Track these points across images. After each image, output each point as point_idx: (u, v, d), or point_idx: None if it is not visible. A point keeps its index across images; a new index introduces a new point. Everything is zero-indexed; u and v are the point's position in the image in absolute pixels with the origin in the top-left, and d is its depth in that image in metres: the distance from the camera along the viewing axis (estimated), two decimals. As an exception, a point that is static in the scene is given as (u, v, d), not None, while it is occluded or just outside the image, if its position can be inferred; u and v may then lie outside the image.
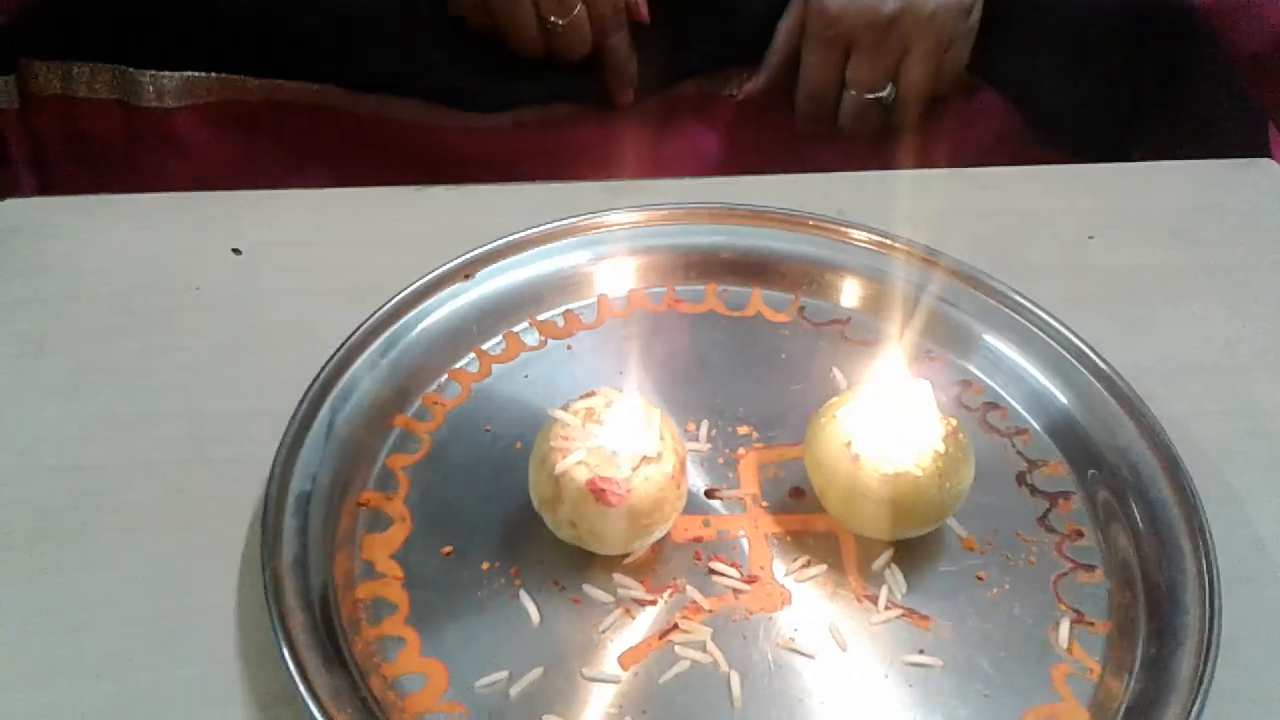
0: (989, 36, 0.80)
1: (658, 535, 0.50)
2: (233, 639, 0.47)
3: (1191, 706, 0.43)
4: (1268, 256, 0.68)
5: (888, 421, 0.49)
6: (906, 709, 0.46)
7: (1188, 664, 0.45)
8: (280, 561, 0.47)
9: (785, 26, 0.79)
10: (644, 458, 0.48)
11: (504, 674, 0.46)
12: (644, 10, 0.77)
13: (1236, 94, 0.83)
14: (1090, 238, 0.68)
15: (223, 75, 0.80)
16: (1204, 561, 0.48)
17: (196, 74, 0.79)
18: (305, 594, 0.47)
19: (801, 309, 0.63)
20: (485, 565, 0.50)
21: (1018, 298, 0.60)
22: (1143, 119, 0.84)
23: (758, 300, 0.63)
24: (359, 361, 0.56)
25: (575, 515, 0.48)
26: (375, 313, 0.57)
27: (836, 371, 0.60)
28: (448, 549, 0.51)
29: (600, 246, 0.63)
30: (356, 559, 0.50)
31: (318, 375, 0.54)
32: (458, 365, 0.59)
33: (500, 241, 0.62)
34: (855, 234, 0.64)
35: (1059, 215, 0.70)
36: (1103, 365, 0.57)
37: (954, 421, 0.49)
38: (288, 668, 0.43)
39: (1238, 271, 0.67)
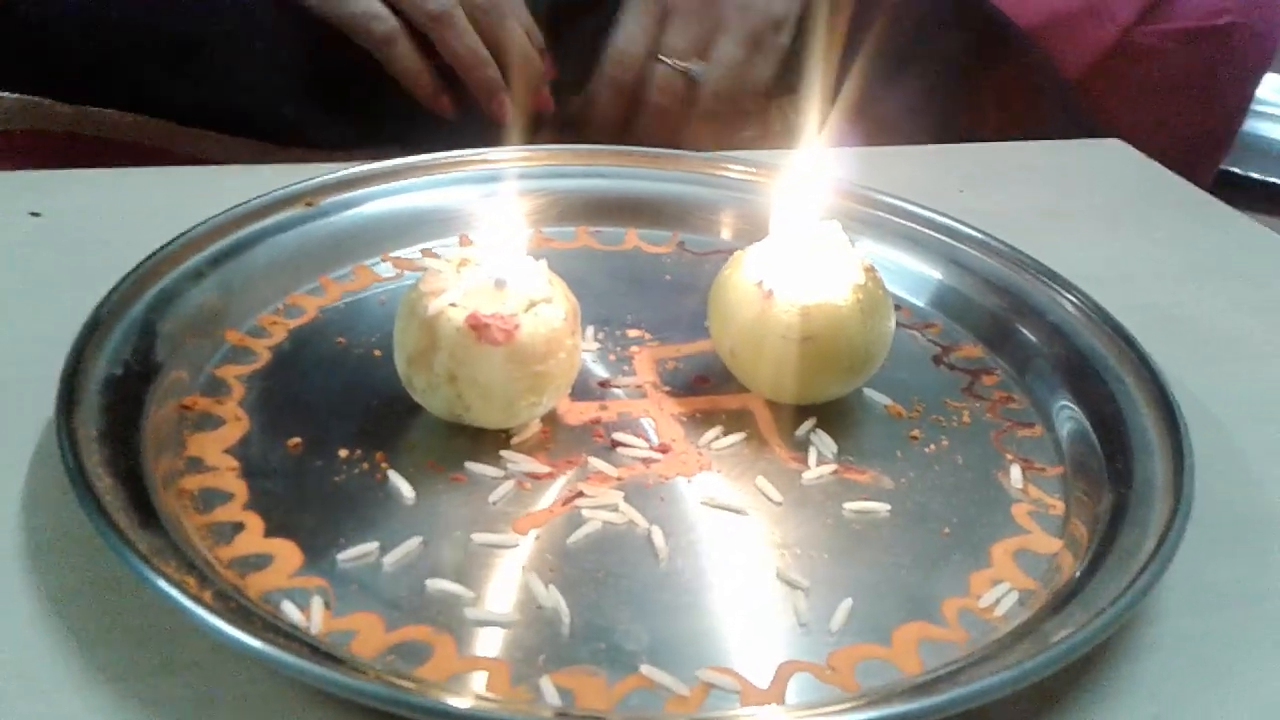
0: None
1: (550, 401, 0.43)
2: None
3: (1169, 528, 0.37)
4: (1124, 210, 0.68)
5: (801, 260, 0.44)
6: (860, 551, 0.39)
7: (1160, 505, 0.39)
8: (80, 430, 0.37)
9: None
10: (532, 300, 0.41)
11: (374, 546, 0.37)
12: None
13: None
14: (960, 191, 0.67)
15: (26, 97, 0.73)
16: (1156, 385, 0.44)
17: (-1, 94, 0.71)
18: (113, 465, 0.37)
19: (681, 243, 0.58)
20: (343, 453, 0.42)
21: (907, 205, 0.57)
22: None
23: (634, 238, 0.59)
24: (183, 267, 0.48)
25: (454, 364, 0.40)
26: (204, 222, 0.50)
27: (726, 285, 0.54)
28: (295, 441, 0.42)
29: (463, 187, 0.58)
30: (180, 458, 0.41)
31: (131, 271, 0.45)
32: (300, 290, 0.51)
33: (349, 171, 0.55)
34: (732, 168, 0.60)
35: (931, 180, 0.69)
36: (996, 244, 0.54)
37: (869, 263, 0.45)
38: (101, 529, 0.33)
39: (1100, 214, 0.67)
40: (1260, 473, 0.44)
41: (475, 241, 0.41)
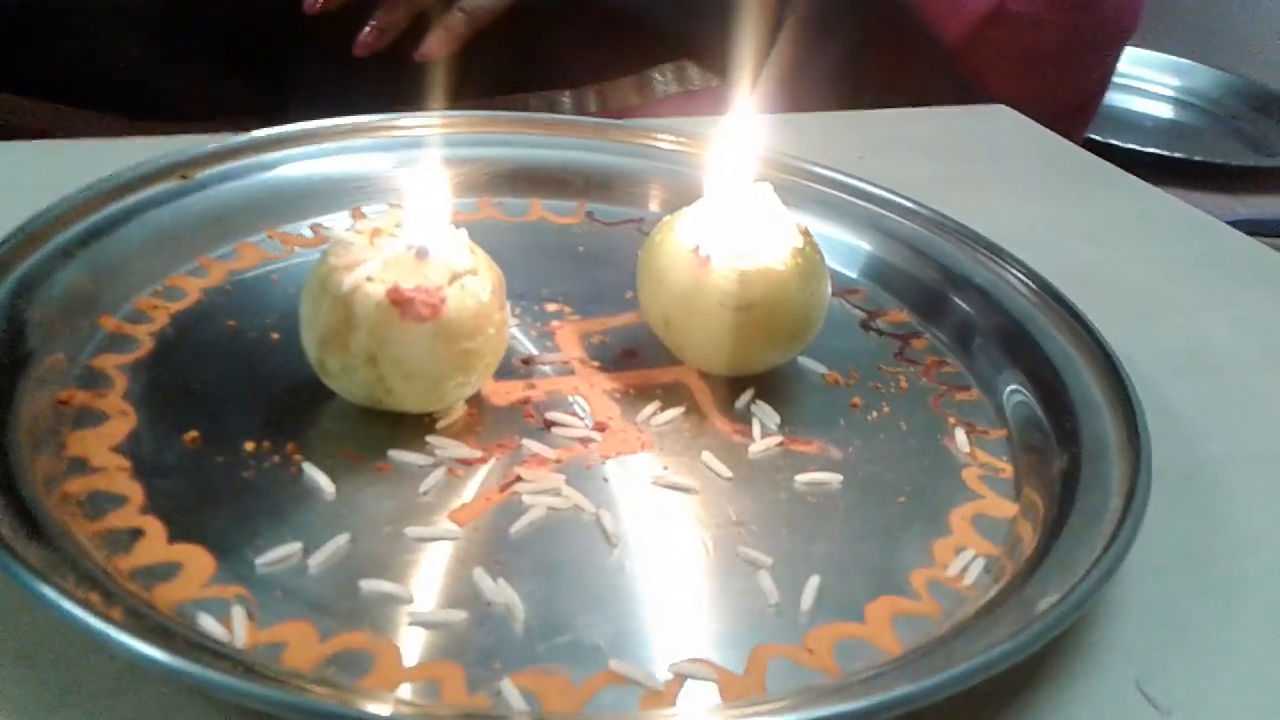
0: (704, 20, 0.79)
1: (478, 381, 0.39)
2: None
3: (1134, 486, 0.36)
4: (1021, 174, 0.69)
5: (736, 224, 0.42)
6: (819, 525, 0.37)
7: (1119, 463, 0.38)
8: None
9: None
10: (455, 272, 0.38)
11: (296, 546, 0.33)
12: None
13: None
14: (860, 157, 0.66)
15: None
16: (1094, 343, 0.43)
17: None
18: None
19: (589, 213, 0.56)
20: (249, 445, 0.37)
21: (822, 170, 0.55)
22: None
23: (539, 208, 0.55)
24: (48, 246, 0.42)
25: (373, 344, 0.37)
26: (68, 197, 0.44)
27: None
28: (192, 435, 0.38)
29: (352, 156, 0.53)
30: (61, 459, 0.36)
31: (-11, 251, 0.40)
32: (180, 271, 0.46)
33: (226, 141, 0.51)
34: (639, 135, 0.58)
35: (830, 146, 0.67)
36: (915, 207, 0.53)
37: (804, 226, 0.43)
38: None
39: (999, 179, 0.67)
40: (1195, 427, 0.44)
41: (369, 216, 0.37)
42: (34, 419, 0.36)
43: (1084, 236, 0.61)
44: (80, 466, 0.36)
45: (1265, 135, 1.28)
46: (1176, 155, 1.11)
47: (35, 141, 0.56)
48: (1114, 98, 1.21)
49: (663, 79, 0.96)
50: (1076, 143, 1.04)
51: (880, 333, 0.49)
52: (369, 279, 0.37)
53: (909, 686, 0.28)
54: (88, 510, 0.34)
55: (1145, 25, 1.02)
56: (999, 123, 0.76)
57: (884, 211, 0.53)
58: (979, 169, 0.68)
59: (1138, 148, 1.09)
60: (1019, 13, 0.92)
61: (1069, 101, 0.99)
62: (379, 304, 0.36)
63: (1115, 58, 1.02)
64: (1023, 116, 0.76)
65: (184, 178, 0.49)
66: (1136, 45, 1.23)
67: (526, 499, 0.37)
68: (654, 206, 0.56)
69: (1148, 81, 1.36)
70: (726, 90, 0.91)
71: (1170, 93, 1.37)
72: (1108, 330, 0.44)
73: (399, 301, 0.36)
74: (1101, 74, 1.02)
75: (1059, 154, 0.72)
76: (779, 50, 0.84)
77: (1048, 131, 0.74)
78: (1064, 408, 0.42)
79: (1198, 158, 1.12)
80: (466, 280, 0.38)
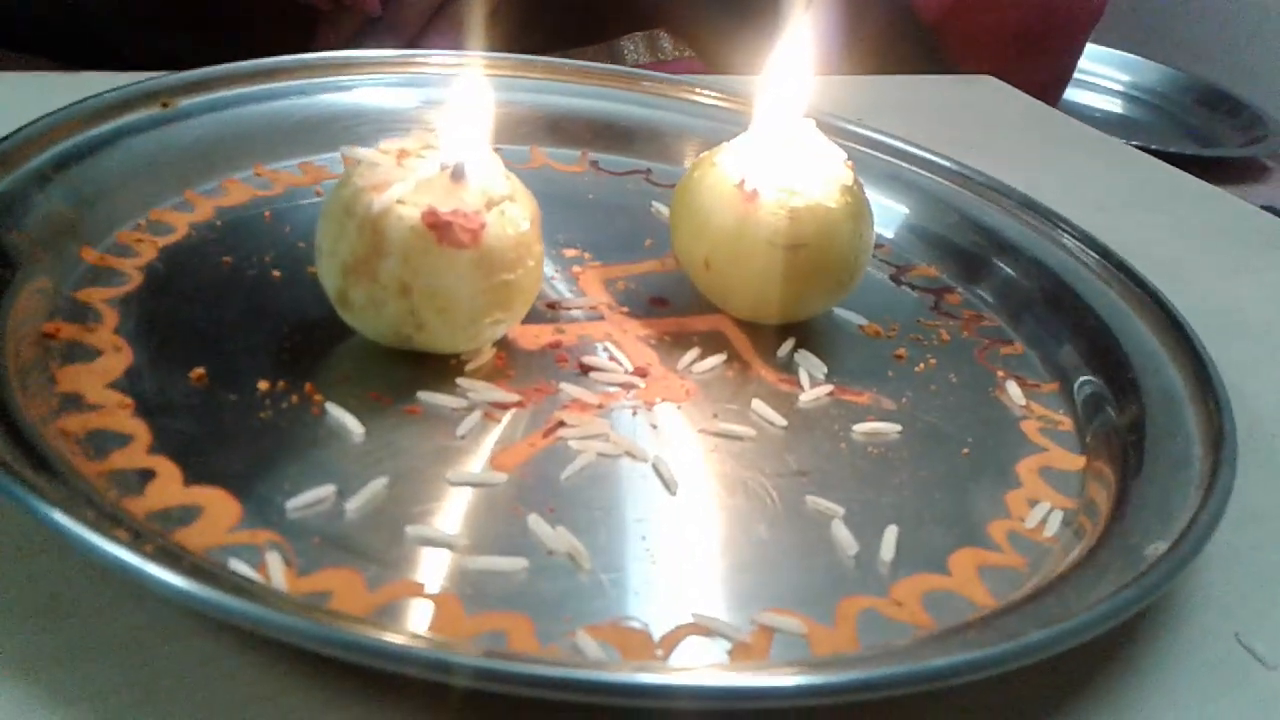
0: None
1: (513, 318, 0.36)
2: None
3: (1221, 435, 0.34)
4: (1018, 143, 0.68)
5: (783, 158, 0.39)
6: (886, 475, 0.35)
7: (1192, 413, 0.36)
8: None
9: None
10: (491, 198, 0.35)
11: (329, 489, 0.30)
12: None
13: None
14: (858, 119, 0.64)
15: None
16: (1147, 293, 0.42)
17: None
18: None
19: (594, 163, 0.53)
20: (263, 384, 0.34)
21: (836, 122, 0.53)
22: None
23: (540, 155, 0.52)
24: (23, 168, 0.38)
25: (407, 272, 0.33)
26: (42, 118, 0.40)
27: (658, 206, 0.49)
28: (198, 371, 0.34)
29: (342, 94, 0.50)
30: (52, 395, 0.32)
31: (-41, 168, 0.36)
32: (164, 205, 0.42)
33: (209, 70, 0.47)
34: (645, 84, 0.55)
35: (824, 107, 0.65)
36: (941, 161, 0.51)
37: (850, 162, 0.40)
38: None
39: (1000, 146, 0.66)
40: (1244, 387, 0.43)
41: (378, 148, 0.34)
42: (18, 350, 0.32)
43: (1088, 204, 0.59)
44: (75, 403, 0.32)
45: (1211, 129, 1.30)
46: (1132, 144, 1.11)
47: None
48: (1066, 92, 1.22)
49: (633, 47, 0.93)
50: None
51: (913, 287, 0.46)
52: (400, 201, 0.33)
53: (1038, 634, 0.25)
54: (89, 450, 0.30)
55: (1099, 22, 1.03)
56: (989, 91, 0.74)
57: (909, 166, 0.51)
58: (974, 135, 0.67)
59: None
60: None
61: (1037, 84, 0.98)
62: (413, 228, 0.33)
63: (1082, 43, 1.02)
64: (1011, 87, 0.75)
65: (165, 105, 0.45)
66: (1090, 41, 1.24)
67: (574, 444, 0.34)
68: (662, 157, 0.53)
69: (1099, 76, 1.37)
70: (699, 60, 0.88)
71: (1120, 88, 1.38)
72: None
73: (436, 226, 0.33)
74: (1069, 59, 1.02)
75: (1050, 123, 0.71)
76: (755, 22, 0.82)
77: (1037, 102, 0.73)
78: (1119, 360, 0.40)
79: (1154, 146, 1.13)
80: (506, 206, 0.35)
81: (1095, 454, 0.37)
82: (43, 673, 0.24)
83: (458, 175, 0.34)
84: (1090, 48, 1.32)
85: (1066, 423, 0.39)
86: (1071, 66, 1.03)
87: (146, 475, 0.30)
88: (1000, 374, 0.41)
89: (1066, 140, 0.69)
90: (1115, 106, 1.36)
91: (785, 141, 0.39)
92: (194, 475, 0.30)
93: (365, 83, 0.50)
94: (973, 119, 0.70)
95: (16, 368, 0.32)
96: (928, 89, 0.73)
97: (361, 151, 0.35)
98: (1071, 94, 1.30)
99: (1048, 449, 0.37)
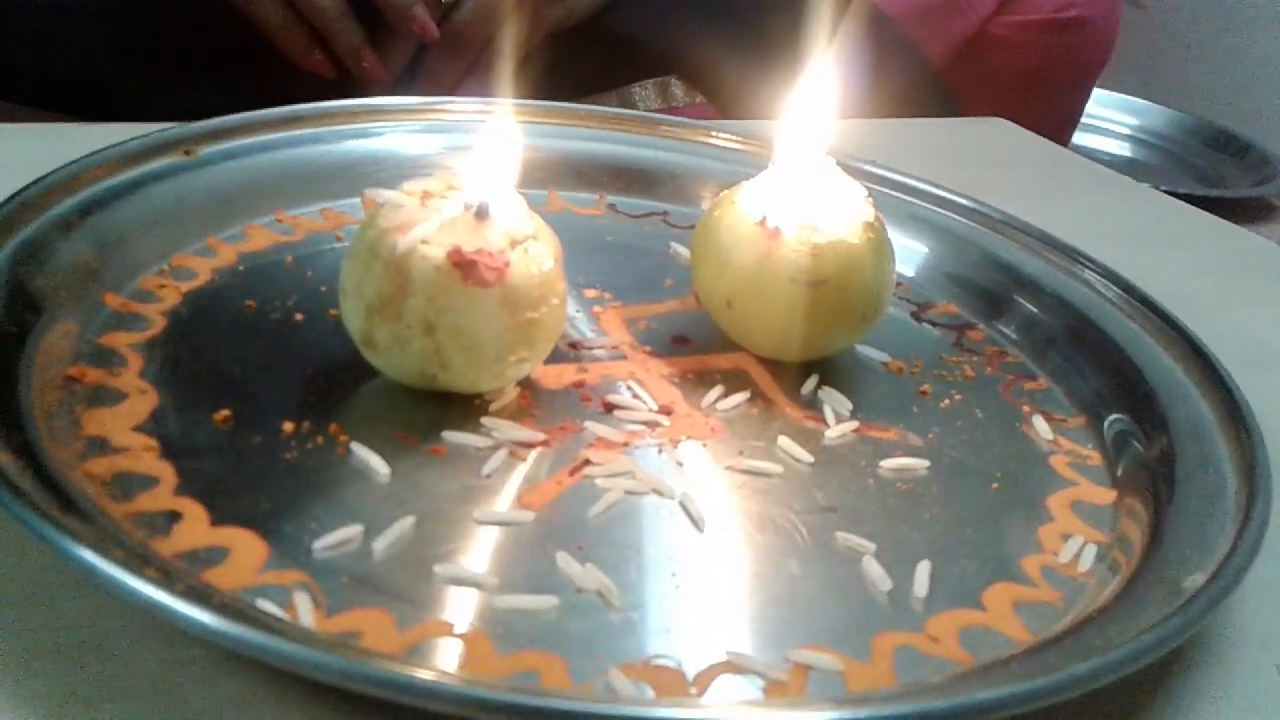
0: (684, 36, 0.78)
1: (538, 357, 0.36)
2: None
3: (1254, 465, 0.34)
4: (1019, 178, 0.68)
5: (804, 194, 0.39)
6: (916, 510, 0.34)
7: (1224, 444, 0.36)
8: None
9: None
10: (515, 237, 0.35)
11: (356, 529, 0.30)
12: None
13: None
14: (871, 161, 0.64)
15: None
16: (1171, 326, 0.42)
17: None
18: (9, 442, 0.28)
19: (611, 205, 0.53)
20: (288, 426, 0.34)
21: (854, 163, 0.53)
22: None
23: (558, 199, 0.53)
24: (47, 215, 0.38)
25: (431, 311, 0.33)
26: (66, 166, 0.40)
27: (677, 246, 0.49)
28: (223, 413, 0.34)
29: (361, 141, 0.50)
30: (76, 437, 0.32)
31: (-13, 216, 0.36)
32: (186, 250, 0.42)
33: (230, 118, 0.47)
34: (662, 127, 0.55)
35: (845, 152, 0.66)
36: (958, 199, 0.51)
37: (871, 198, 0.41)
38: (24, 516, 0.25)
39: (1012, 187, 0.66)
40: (1270, 420, 0.42)
41: (402, 189, 0.34)
42: (43, 394, 0.32)
43: (1100, 240, 0.59)
44: (101, 446, 0.32)
45: (1219, 170, 1.31)
46: (1141, 185, 1.11)
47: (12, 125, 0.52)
48: (1074, 136, 1.23)
49: (644, 94, 0.94)
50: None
51: (933, 324, 0.46)
52: (425, 241, 0.33)
53: (1084, 665, 0.25)
54: (115, 492, 0.30)
55: (1106, 67, 1.03)
56: (998, 133, 0.75)
57: (925, 204, 0.51)
58: (984, 176, 0.67)
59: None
60: (1000, 36, 0.92)
61: (1046, 126, 0.99)
62: (438, 267, 0.33)
63: (1090, 86, 1.03)
64: (1020, 128, 0.75)
65: (187, 153, 0.45)
66: (1096, 86, 1.25)
67: (600, 482, 0.33)
68: (679, 199, 0.53)
69: (1106, 120, 1.39)
70: (710, 106, 0.89)
71: (1128, 131, 1.39)
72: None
73: (461, 264, 0.33)
74: (1076, 102, 1.03)
75: (1061, 162, 0.72)
76: (769, 69, 0.82)
77: (1047, 141, 0.74)
78: (1146, 392, 0.40)
79: (1163, 188, 1.13)
80: (529, 245, 0.35)
81: (1126, 488, 0.36)
82: (74, 713, 0.24)
83: (482, 214, 0.34)
84: (1097, 92, 1.33)
85: (1095, 457, 0.38)
86: (1080, 109, 1.04)
87: (173, 517, 0.29)
88: (1026, 409, 0.41)
89: (1078, 178, 0.70)
90: (1123, 150, 1.37)
91: (805, 179, 0.39)
92: (220, 516, 0.30)
93: (385, 129, 0.50)
94: (984, 159, 0.70)
95: (43, 411, 0.32)
96: (938, 131, 0.73)
97: (385, 193, 0.35)
98: (1079, 138, 1.32)
99: (1078, 483, 0.37)
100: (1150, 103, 1.40)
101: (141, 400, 0.34)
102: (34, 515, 0.25)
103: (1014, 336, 0.46)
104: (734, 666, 0.27)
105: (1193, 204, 1.14)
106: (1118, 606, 0.29)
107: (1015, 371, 0.43)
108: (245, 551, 0.29)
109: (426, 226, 0.34)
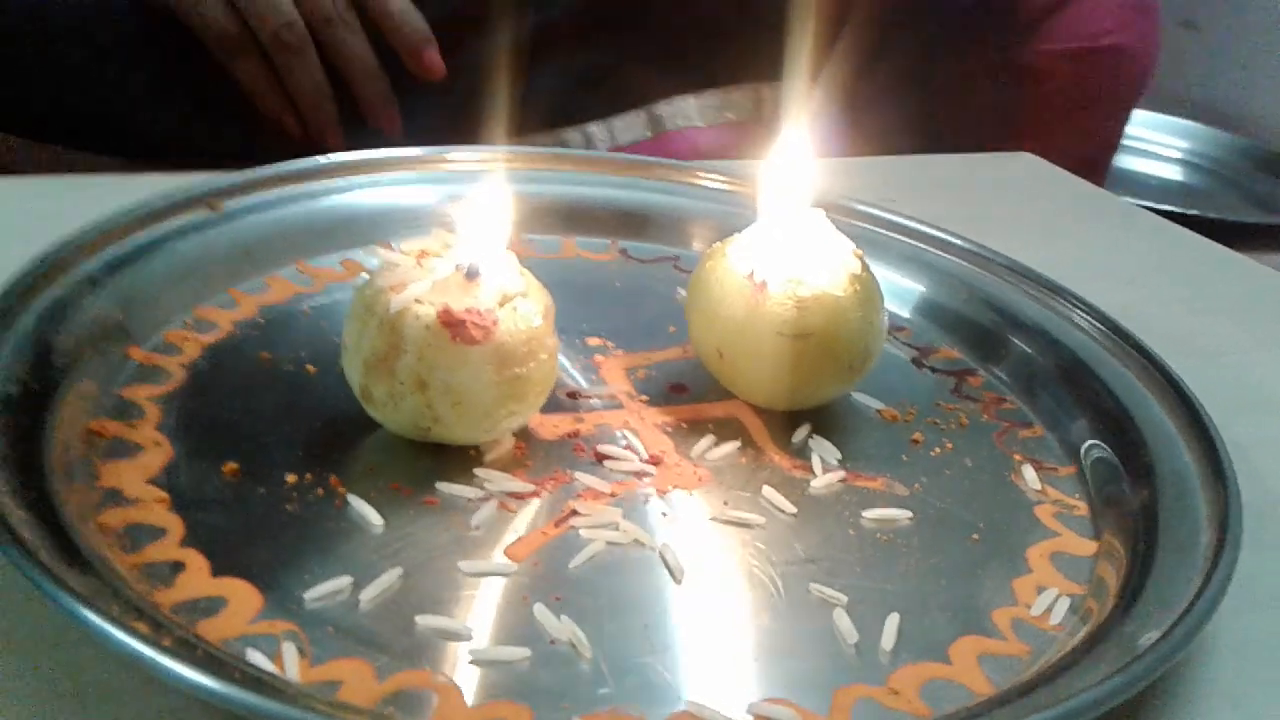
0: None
1: (528, 411, 0.38)
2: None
3: (1226, 517, 0.35)
4: (1044, 214, 0.68)
5: (791, 249, 0.40)
6: (892, 562, 0.35)
7: (1205, 495, 0.36)
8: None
9: None
10: (506, 295, 0.36)
11: (346, 581, 0.31)
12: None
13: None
14: (892, 200, 0.65)
15: None
16: (1162, 376, 0.42)
17: None
18: (22, 497, 0.30)
19: (623, 250, 0.54)
20: (291, 478, 0.36)
21: (860, 206, 0.54)
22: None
23: (572, 246, 0.54)
24: (73, 273, 0.41)
25: (423, 368, 0.35)
26: (93, 225, 0.43)
27: (683, 292, 0.50)
28: (231, 467, 0.36)
29: (381, 190, 0.52)
30: (94, 490, 0.34)
31: (16, 277, 0.38)
32: (209, 303, 0.45)
33: (254, 172, 0.49)
34: (690, 175, 0.57)
35: (857, 188, 0.67)
36: (962, 243, 0.52)
37: (859, 250, 0.42)
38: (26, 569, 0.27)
39: (1034, 223, 0.66)
40: (1263, 465, 0.42)
41: (399, 249, 0.36)
42: (65, 449, 0.35)
43: (1118, 278, 0.60)
44: (115, 498, 0.34)
45: (1272, 194, 1.29)
46: (1191, 212, 1.10)
47: (43, 177, 0.55)
48: (1123, 159, 1.21)
49: (624, 126, 0.92)
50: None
51: (934, 370, 0.47)
52: (418, 300, 0.35)
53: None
54: (125, 543, 0.32)
55: (1152, 91, 1.02)
56: (1025, 167, 0.75)
57: (929, 248, 0.52)
58: (1007, 212, 0.67)
59: (1152, 205, 1.08)
60: (1033, 65, 0.92)
61: (1081, 156, 0.98)
62: (429, 326, 0.35)
63: (1126, 115, 1.02)
64: (1047, 163, 0.75)
65: (211, 208, 0.47)
66: (1144, 108, 1.24)
67: (584, 533, 0.35)
68: (690, 244, 0.55)
69: (1155, 144, 1.37)
70: (701, 144, 0.88)
71: (1178, 155, 1.37)
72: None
73: (450, 324, 0.35)
74: (1111, 131, 1.02)
75: (1087, 198, 0.72)
76: (832, 71, 0.82)
77: (1074, 176, 0.74)
78: (1136, 442, 0.40)
79: (1211, 215, 1.12)
80: (518, 303, 0.36)
81: (1107, 539, 0.37)
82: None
83: (471, 275, 0.36)
84: (1145, 115, 1.32)
85: (1082, 507, 0.39)
86: (1117, 137, 1.03)
87: (177, 567, 0.31)
88: (1017, 458, 0.41)
89: (1101, 214, 0.70)
90: (1174, 174, 1.36)
91: (794, 232, 0.41)
92: (221, 567, 0.32)
93: (404, 180, 0.52)
94: (1007, 195, 0.71)
95: (63, 464, 0.34)
96: (963, 167, 0.74)
97: (383, 253, 0.37)
98: (1128, 161, 1.30)
99: (1060, 534, 0.37)
100: (1201, 124, 1.38)
101: (157, 452, 0.36)
102: (35, 569, 0.26)
103: (1013, 383, 0.46)
104: (693, 718, 0.28)
105: (1249, 232, 1.13)
106: (1076, 661, 0.30)
107: (1011, 419, 0.44)
108: (241, 602, 0.30)
109: (419, 286, 0.35)
